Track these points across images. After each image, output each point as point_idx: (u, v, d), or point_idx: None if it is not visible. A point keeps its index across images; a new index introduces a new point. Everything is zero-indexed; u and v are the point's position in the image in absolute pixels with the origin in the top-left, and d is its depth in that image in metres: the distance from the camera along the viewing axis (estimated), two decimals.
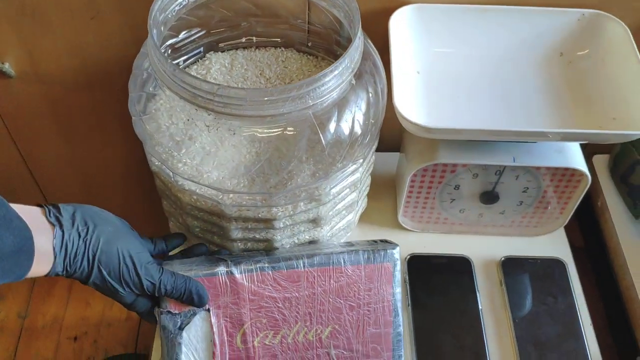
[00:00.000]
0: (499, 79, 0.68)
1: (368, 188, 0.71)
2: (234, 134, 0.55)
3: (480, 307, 0.69)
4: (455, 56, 0.70)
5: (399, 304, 0.63)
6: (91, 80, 0.78)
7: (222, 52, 0.69)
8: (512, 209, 0.73)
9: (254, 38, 0.69)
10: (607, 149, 0.83)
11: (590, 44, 0.68)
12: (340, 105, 0.54)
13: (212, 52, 0.68)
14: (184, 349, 0.59)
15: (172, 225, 0.68)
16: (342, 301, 0.62)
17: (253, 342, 0.61)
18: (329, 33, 0.66)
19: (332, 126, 0.53)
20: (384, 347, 0.62)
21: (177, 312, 0.58)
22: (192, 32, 0.66)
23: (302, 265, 0.60)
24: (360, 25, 0.54)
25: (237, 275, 0.59)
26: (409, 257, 0.72)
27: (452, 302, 0.69)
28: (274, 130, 0.52)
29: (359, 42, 0.53)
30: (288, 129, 0.53)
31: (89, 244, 0.48)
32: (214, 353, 0.59)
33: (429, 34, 0.69)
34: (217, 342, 0.60)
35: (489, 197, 0.71)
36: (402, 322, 0.63)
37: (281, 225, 0.58)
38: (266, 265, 0.60)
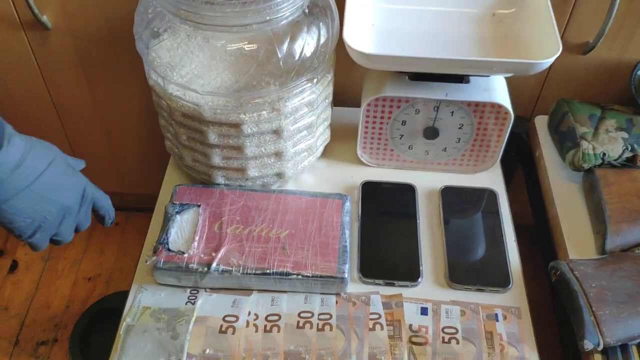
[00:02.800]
0: (441, 33, 0.83)
1: (329, 119, 0.85)
2: (208, 41, 0.70)
3: (418, 223, 0.81)
4: (406, 13, 0.84)
5: (347, 225, 0.76)
6: (114, 36, 0.95)
7: (212, 4, 0.84)
8: (452, 146, 0.86)
9: None
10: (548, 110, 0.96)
11: (515, 5, 0.82)
12: (294, 29, 0.69)
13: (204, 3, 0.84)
14: (175, 226, 0.75)
15: (167, 142, 0.84)
16: (300, 216, 0.77)
17: (226, 229, 0.75)
18: None
19: (286, 45, 0.68)
20: (331, 254, 0.74)
21: (177, 202, 0.77)
22: None
23: (273, 191, 0.80)
24: None
25: (225, 190, 0.79)
26: (363, 182, 0.86)
27: (395, 219, 0.82)
28: (241, 42, 0.68)
29: None
30: (252, 43, 0.68)
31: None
32: (195, 231, 0.74)
33: None
34: (199, 226, 0.75)
35: (431, 132, 0.84)
36: (349, 238, 0.76)
37: (249, 132, 0.73)
38: (247, 189, 0.80)
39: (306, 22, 0.70)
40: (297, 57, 0.69)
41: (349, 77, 0.94)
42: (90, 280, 1.27)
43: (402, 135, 0.85)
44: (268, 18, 0.65)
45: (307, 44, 0.70)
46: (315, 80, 0.73)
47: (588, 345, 0.67)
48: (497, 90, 0.80)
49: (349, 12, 0.77)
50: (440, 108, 0.81)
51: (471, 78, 0.81)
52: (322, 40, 0.72)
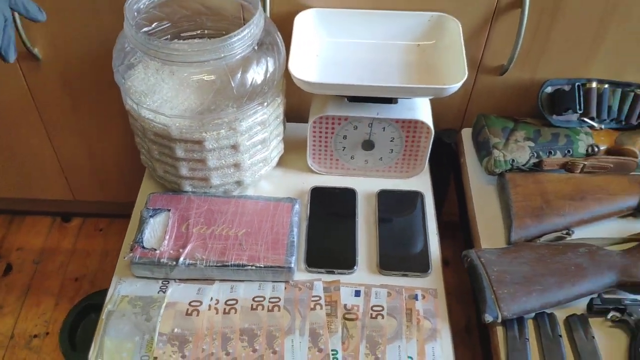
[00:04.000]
0: (376, 61, 0.98)
1: (281, 134, 0.99)
2: (174, 74, 0.84)
3: (357, 221, 0.96)
4: (346, 45, 1.00)
5: (295, 224, 0.91)
6: (96, 67, 1.09)
7: (183, 39, 0.99)
8: (387, 156, 1.01)
9: (206, 30, 0.99)
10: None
11: (436, 37, 0.98)
12: (246, 63, 0.84)
13: (176, 40, 0.99)
14: (149, 227, 0.89)
15: (142, 156, 0.98)
16: (255, 217, 0.92)
17: (192, 229, 0.89)
18: None
19: (238, 75, 0.83)
20: (280, 248, 0.88)
21: (151, 208, 0.91)
22: (162, 24, 0.96)
23: (233, 197, 0.94)
24: (265, 16, 0.85)
25: (192, 196, 0.93)
26: (312, 188, 1.00)
27: (338, 219, 0.96)
28: (202, 74, 0.82)
29: (258, 21, 0.83)
30: (210, 74, 0.83)
31: None
32: (166, 232, 0.88)
33: (326, 30, 0.99)
34: (169, 227, 0.89)
35: (368, 145, 0.99)
36: (297, 235, 0.90)
37: (210, 147, 0.87)
38: (211, 195, 0.94)
39: (256, 56, 0.85)
40: (248, 86, 0.84)
41: (302, 98, 1.08)
42: (77, 280, 1.40)
43: (345, 147, 1.00)
44: (223, 55, 0.79)
45: (257, 74, 0.85)
46: (265, 103, 0.88)
47: (488, 318, 0.82)
48: (420, 110, 0.96)
49: (295, 46, 0.92)
50: (374, 124, 0.96)
51: (399, 99, 0.96)
52: (270, 71, 0.87)
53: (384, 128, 0.97)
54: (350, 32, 1.00)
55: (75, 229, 1.52)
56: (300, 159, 1.04)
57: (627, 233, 0.95)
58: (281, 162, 1.04)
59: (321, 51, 0.99)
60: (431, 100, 1.11)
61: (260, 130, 0.91)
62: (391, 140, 0.98)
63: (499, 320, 0.82)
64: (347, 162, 1.02)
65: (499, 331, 0.83)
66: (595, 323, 0.84)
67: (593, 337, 0.82)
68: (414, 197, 1.00)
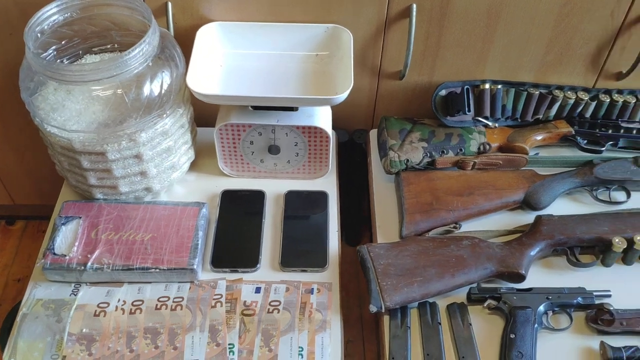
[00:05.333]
0: (277, 71, 1.04)
1: (189, 142, 1.05)
2: (70, 93, 0.89)
3: (263, 222, 1.02)
4: (249, 56, 1.05)
5: (200, 228, 0.97)
6: (14, 85, 1.13)
7: (95, 54, 1.04)
8: (294, 159, 1.07)
9: (116, 44, 1.04)
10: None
11: (332, 47, 1.04)
12: (140, 78, 0.90)
13: (87, 54, 1.04)
14: (60, 234, 0.95)
15: (56, 167, 1.04)
16: (162, 222, 0.97)
17: (101, 235, 0.95)
18: None
19: (133, 90, 0.89)
20: (184, 251, 0.94)
21: (63, 216, 0.96)
22: (72, 41, 1.01)
23: (143, 203, 0.99)
24: (163, 32, 0.91)
25: (103, 204, 0.98)
26: (222, 191, 1.07)
27: (246, 220, 1.03)
28: (98, 91, 0.88)
29: (151, 39, 0.89)
30: (106, 90, 0.88)
31: None
32: (76, 238, 0.94)
33: (230, 42, 1.05)
34: (79, 234, 0.95)
35: (274, 149, 1.05)
36: (201, 238, 0.96)
37: (113, 157, 0.93)
38: (122, 202, 0.99)
39: (151, 71, 0.91)
40: (143, 99, 0.90)
41: (212, 105, 1.14)
42: (20, 281, 1.46)
43: (253, 152, 1.06)
44: (115, 73, 0.85)
45: (154, 87, 0.91)
46: (165, 115, 0.94)
47: (372, 308, 0.89)
48: (319, 116, 1.02)
49: (194, 59, 0.98)
50: (276, 131, 1.02)
51: (300, 106, 1.02)
52: (167, 84, 0.93)
53: (286, 134, 1.03)
54: (253, 43, 1.05)
55: (19, 231, 1.57)
56: (213, 163, 1.10)
57: (514, 225, 1.03)
58: (195, 166, 1.10)
59: (225, 62, 1.05)
60: (341, 103, 1.18)
61: (164, 139, 0.97)
62: (295, 145, 1.05)
63: (383, 310, 0.89)
64: (257, 165, 1.09)
65: (385, 320, 0.91)
66: (474, 311, 0.92)
67: (470, 324, 0.90)
68: (319, 197, 1.07)
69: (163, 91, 0.92)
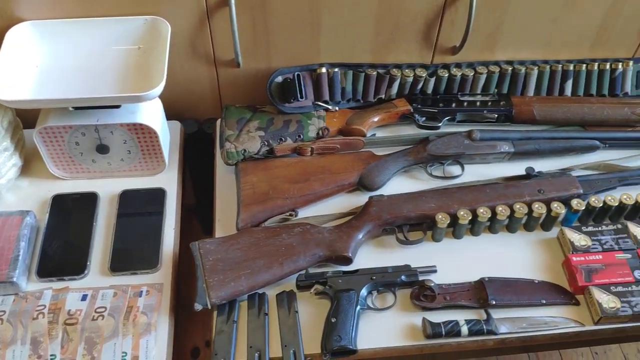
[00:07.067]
0: (96, 68, 1.00)
1: (10, 149, 1.00)
2: None
3: (94, 225, 0.99)
4: (66, 54, 1.01)
5: (23, 237, 0.93)
6: None
7: None
8: (127, 157, 1.04)
9: None
10: None
11: (152, 40, 1.01)
12: None
13: None
14: None
15: None
16: None
17: None
18: None
19: None
20: (3, 263, 0.90)
21: None
22: None
23: None
24: None
25: None
26: (52, 197, 1.03)
27: (77, 224, 0.99)
28: None
29: None
30: None
31: None
32: None
33: (47, 40, 1.00)
34: None
35: (102, 148, 1.02)
36: (23, 248, 0.92)
37: None
38: None
39: None
40: None
41: None
42: None
43: (82, 153, 1.03)
44: None
45: None
46: None
47: (197, 306, 0.88)
48: (143, 112, 0.99)
49: (2, 62, 0.93)
50: (100, 130, 0.99)
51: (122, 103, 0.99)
52: None
53: (111, 132, 1.00)
54: (71, 41, 1.01)
55: None
56: (45, 167, 1.06)
57: (351, 207, 1.04)
58: (28, 171, 1.06)
59: (42, 62, 1.00)
60: (185, 91, 1.16)
61: None
62: (124, 142, 1.02)
63: (209, 307, 0.89)
64: (91, 165, 1.05)
65: (214, 316, 0.90)
66: (303, 297, 0.93)
67: (296, 311, 0.90)
68: (155, 195, 1.04)
69: None
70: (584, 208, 0.98)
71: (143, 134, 1.00)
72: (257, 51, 1.09)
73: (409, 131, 1.14)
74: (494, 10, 1.06)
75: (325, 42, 1.09)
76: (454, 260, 0.97)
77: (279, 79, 1.10)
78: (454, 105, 1.14)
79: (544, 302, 0.92)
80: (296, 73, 1.08)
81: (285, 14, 1.03)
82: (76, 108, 0.98)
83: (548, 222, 1.00)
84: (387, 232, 0.99)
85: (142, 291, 0.92)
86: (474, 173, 1.08)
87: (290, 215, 1.01)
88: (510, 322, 0.90)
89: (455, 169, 1.09)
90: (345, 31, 1.07)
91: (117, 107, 0.98)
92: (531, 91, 1.16)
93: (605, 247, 0.96)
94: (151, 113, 1.00)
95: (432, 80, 1.14)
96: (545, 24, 1.10)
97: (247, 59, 1.09)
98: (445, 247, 1.00)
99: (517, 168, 1.06)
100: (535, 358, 1.32)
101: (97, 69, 1.00)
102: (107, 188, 1.05)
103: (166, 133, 1.07)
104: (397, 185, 1.06)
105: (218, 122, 1.16)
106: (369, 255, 0.97)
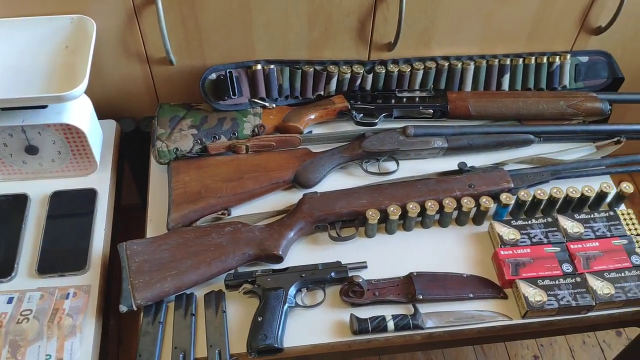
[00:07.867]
0: (23, 69, 0.98)
1: None
2: None
3: (23, 228, 0.98)
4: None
5: None
6: None
7: None
8: (57, 157, 1.03)
9: None
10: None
11: (79, 39, 0.99)
12: None
13: None
14: None
15: None
16: None
17: None
18: None
19: None
20: None
21: None
22: None
23: None
24: None
25: None
26: None
27: (5, 226, 0.98)
28: None
29: None
30: None
31: None
32: None
33: None
34: None
35: (31, 149, 1.00)
36: None
37: None
38: None
39: None
40: None
41: None
42: None
43: (11, 154, 1.01)
44: None
45: None
46: None
47: (122, 308, 0.87)
48: (70, 112, 0.97)
49: None
50: (27, 130, 0.97)
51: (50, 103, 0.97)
52: None
53: (39, 133, 0.98)
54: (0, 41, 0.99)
55: None
56: None
57: (286, 205, 1.03)
58: None
59: None
60: (120, 90, 1.14)
61: None
62: (53, 143, 1.00)
63: (134, 308, 0.88)
64: (22, 166, 1.04)
65: (141, 317, 0.90)
66: (232, 297, 0.93)
67: (224, 311, 0.90)
68: (86, 195, 1.03)
69: None
70: (513, 202, 0.98)
71: (71, 134, 0.99)
72: (190, 48, 1.08)
73: (347, 128, 1.14)
74: (426, 6, 1.06)
75: (259, 39, 1.08)
76: (387, 256, 0.97)
77: (213, 76, 1.09)
78: (392, 101, 1.14)
79: (472, 296, 0.93)
80: (228, 70, 1.07)
81: (214, 10, 1.02)
82: (2, 109, 0.96)
83: (479, 217, 1.01)
84: (320, 229, 0.99)
85: (69, 293, 0.91)
86: (410, 169, 1.08)
87: (223, 214, 1.00)
88: (437, 316, 0.90)
89: (390, 165, 1.09)
90: (277, 27, 1.07)
91: (44, 107, 0.97)
92: (468, 86, 1.16)
93: (534, 240, 0.97)
94: (79, 113, 0.99)
95: (370, 76, 1.14)
96: (479, 18, 1.11)
97: (181, 57, 1.08)
98: (378, 242, 1.00)
99: (452, 163, 1.07)
100: (480, 351, 1.34)
101: (26, 69, 0.98)
102: (39, 189, 1.04)
103: (97, 133, 1.06)
104: (334, 182, 1.06)
105: (154, 120, 1.15)
106: (302, 253, 0.97)
